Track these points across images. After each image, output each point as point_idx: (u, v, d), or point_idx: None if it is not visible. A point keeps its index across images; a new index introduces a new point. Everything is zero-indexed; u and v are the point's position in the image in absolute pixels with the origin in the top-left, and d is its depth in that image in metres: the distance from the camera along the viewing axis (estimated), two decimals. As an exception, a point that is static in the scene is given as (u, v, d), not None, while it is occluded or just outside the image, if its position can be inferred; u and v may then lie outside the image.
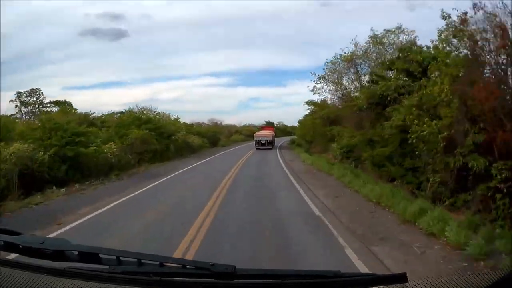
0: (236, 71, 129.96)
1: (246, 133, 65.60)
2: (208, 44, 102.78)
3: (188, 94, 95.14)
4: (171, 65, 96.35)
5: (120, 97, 78.08)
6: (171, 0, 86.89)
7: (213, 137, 41.41)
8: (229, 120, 78.62)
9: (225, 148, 38.27)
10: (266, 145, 36.04)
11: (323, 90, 23.28)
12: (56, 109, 29.31)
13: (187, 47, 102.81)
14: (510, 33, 7.41)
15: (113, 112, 30.23)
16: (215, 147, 38.55)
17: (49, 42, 67.62)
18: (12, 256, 1.45)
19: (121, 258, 1.23)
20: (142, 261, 1.23)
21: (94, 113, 25.64)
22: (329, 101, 25.10)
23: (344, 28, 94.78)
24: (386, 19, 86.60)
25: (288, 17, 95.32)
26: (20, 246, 1.25)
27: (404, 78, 12.44)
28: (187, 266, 1.22)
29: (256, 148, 35.45)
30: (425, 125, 8.95)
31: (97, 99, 66.44)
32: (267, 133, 39.32)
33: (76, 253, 1.25)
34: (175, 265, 1.27)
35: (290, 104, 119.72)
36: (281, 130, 79.65)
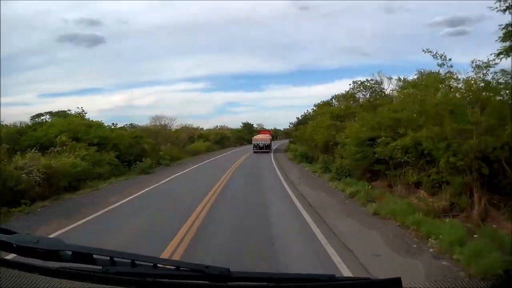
0: (213, 76, 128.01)
1: (215, 138, 48.13)
2: (185, 49, 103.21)
3: (165, 100, 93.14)
4: (147, 71, 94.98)
5: (97, 104, 75.35)
6: (148, 3, 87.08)
7: (135, 148, 20.40)
8: (206, 125, 74.50)
9: (139, 186, 13.26)
10: (264, 149, 37.11)
11: None
12: None
13: (164, 52, 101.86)
14: None
15: None
16: (135, 174, 17.42)
17: (25, 48, 65.76)
18: (6, 255, 1.44)
19: (114, 258, 1.23)
20: (136, 262, 1.22)
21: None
22: None
23: (322, 33, 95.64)
24: (364, 22, 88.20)
25: (265, 22, 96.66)
26: (14, 245, 1.24)
27: None
28: (181, 268, 1.22)
29: (254, 152, 35.95)
30: None
31: (73, 107, 63.71)
32: (265, 137, 40.28)
33: (70, 253, 1.25)
34: (169, 266, 1.27)
35: (268, 108, 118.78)
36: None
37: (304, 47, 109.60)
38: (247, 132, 68.81)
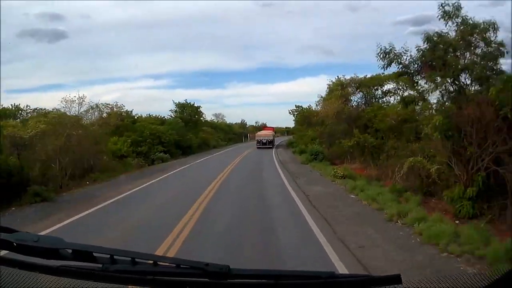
0: (175, 73, 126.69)
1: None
2: (148, 46, 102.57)
3: (127, 96, 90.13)
4: (110, 67, 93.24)
5: (60, 101, 73.89)
6: (111, 1, 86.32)
7: None
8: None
9: None
10: (267, 144, 37.30)
11: None
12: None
13: (127, 48, 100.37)
14: None
15: None
16: None
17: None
18: (6, 253, 1.44)
19: (115, 256, 1.23)
20: (136, 260, 1.23)
21: None
22: None
23: (285, 30, 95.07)
24: (329, 21, 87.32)
25: (229, 19, 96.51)
26: (14, 243, 1.25)
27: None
28: (181, 266, 1.22)
29: (257, 148, 36.24)
30: None
31: (37, 103, 61.36)
32: (268, 133, 40.84)
33: (70, 251, 1.25)
34: (169, 264, 1.27)
35: (230, 106, 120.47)
36: (225, 131, 63.63)
37: (268, 45, 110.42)
38: (181, 127, 32.24)
